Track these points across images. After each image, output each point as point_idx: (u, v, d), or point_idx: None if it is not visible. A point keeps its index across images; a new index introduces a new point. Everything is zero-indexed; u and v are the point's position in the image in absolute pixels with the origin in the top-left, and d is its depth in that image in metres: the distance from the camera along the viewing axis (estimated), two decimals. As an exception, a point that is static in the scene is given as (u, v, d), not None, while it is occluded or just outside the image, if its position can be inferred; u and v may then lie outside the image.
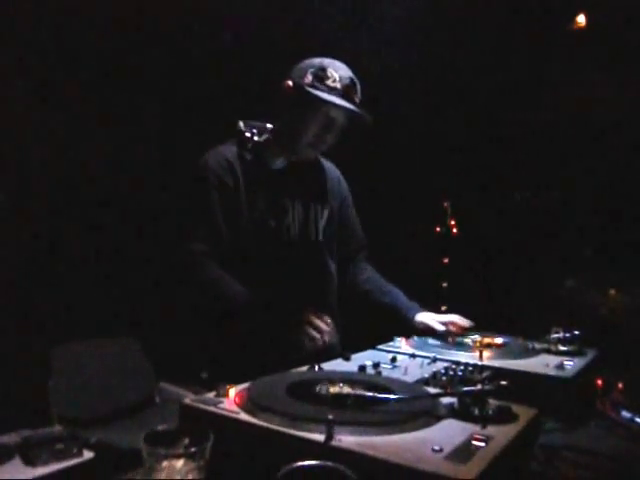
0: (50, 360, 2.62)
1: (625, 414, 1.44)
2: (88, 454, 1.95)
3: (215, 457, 0.91)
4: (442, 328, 1.91)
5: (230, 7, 3.03)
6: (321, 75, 1.76)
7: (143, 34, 2.96)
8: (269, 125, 1.94)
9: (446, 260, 3.39)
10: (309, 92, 1.74)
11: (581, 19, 2.53)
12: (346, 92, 1.76)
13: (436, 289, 3.42)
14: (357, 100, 1.81)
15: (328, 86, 1.75)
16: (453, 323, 1.94)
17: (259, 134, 1.88)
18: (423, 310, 2.01)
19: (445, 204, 3.43)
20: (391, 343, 1.77)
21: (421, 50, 3.29)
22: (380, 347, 1.74)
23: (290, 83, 1.82)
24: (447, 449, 0.90)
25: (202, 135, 3.24)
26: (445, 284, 3.38)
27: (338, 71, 1.78)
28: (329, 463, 0.77)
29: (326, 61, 1.79)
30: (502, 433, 0.99)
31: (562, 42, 2.91)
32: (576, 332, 1.76)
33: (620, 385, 1.69)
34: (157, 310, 3.07)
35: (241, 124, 1.89)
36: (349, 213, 2.12)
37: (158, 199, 3.14)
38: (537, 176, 3.50)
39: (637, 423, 1.40)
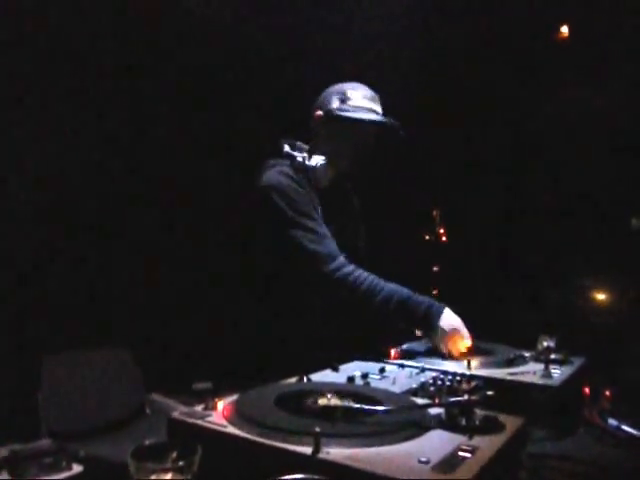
0: (39, 372, 2.60)
1: (612, 422, 1.45)
2: (77, 468, 1.93)
3: (204, 470, 0.91)
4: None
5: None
6: (344, 97, 1.94)
7: (146, 35, 2.97)
8: (304, 145, 2.07)
9: (435, 268, 3.40)
10: (339, 115, 1.92)
11: (564, 29, 2.57)
12: (371, 107, 1.94)
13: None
14: (380, 111, 1.98)
15: (354, 105, 1.92)
16: None
17: (304, 156, 2.00)
18: None
19: (434, 212, 3.45)
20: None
21: (410, 58, 3.32)
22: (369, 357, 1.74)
23: (320, 112, 1.98)
24: (434, 460, 0.91)
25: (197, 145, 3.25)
26: (435, 292, 3.39)
27: (358, 90, 1.95)
28: (316, 476, 0.77)
29: (345, 85, 1.97)
30: (489, 443, 1.00)
31: (546, 52, 2.94)
32: (564, 340, 1.78)
33: (607, 393, 1.70)
34: (148, 320, 3.06)
35: (287, 147, 2.01)
36: (361, 225, 2.27)
37: (149, 207, 3.13)
38: (526, 182, 3.53)
39: (624, 431, 1.41)
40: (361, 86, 1.98)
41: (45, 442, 2.17)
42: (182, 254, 3.22)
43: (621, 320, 2.86)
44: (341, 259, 1.81)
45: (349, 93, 1.94)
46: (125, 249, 3.09)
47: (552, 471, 1.17)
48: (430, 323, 1.76)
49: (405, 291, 1.80)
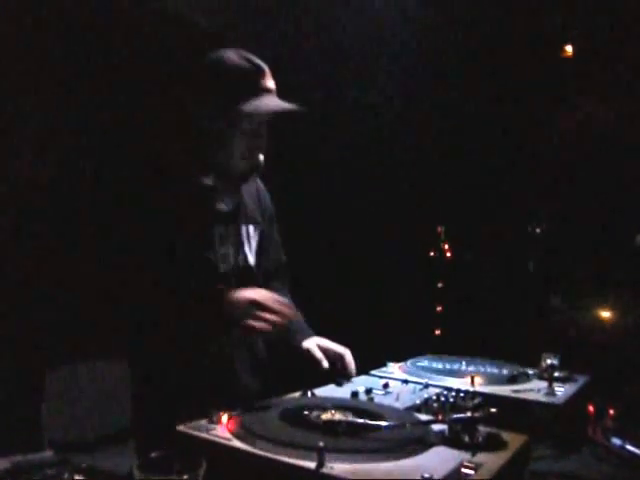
0: (43, 384, 2.61)
1: (616, 441, 1.44)
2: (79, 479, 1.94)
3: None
4: (326, 365, 1.65)
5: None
6: (219, 90, 1.51)
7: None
8: None
9: (440, 284, 3.41)
10: (218, 119, 1.52)
11: (569, 48, 2.59)
12: (259, 86, 1.51)
13: (430, 313, 3.44)
14: (273, 85, 1.55)
15: (235, 90, 1.49)
16: (342, 359, 1.68)
17: None
18: (314, 335, 1.75)
19: (439, 228, 3.47)
20: (384, 368, 1.78)
21: (416, 77, 3.35)
22: (373, 372, 1.75)
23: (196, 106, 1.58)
24: (437, 476, 0.91)
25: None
26: (439, 308, 3.39)
27: (232, 63, 1.51)
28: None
29: (214, 67, 1.53)
30: (491, 460, 1.01)
31: (551, 71, 2.98)
32: (568, 357, 1.78)
33: (611, 411, 1.70)
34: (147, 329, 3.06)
35: None
36: (272, 230, 1.87)
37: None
38: (531, 199, 3.55)
39: (628, 450, 1.41)
40: (234, 58, 1.51)
41: (47, 454, 2.18)
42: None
43: (626, 337, 2.85)
44: None
45: (214, 70, 1.52)
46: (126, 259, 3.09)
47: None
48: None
49: None
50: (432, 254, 3.45)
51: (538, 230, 3.42)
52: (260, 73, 1.52)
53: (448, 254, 3.44)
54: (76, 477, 1.97)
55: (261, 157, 1.60)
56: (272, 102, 1.52)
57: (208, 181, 1.58)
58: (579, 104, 3.24)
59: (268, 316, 1.37)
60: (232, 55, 1.52)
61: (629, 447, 1.41)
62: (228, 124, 1.52)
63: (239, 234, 1.67)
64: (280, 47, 3.03)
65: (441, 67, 3.31)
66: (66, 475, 1.96)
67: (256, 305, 1.38)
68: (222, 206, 1.62)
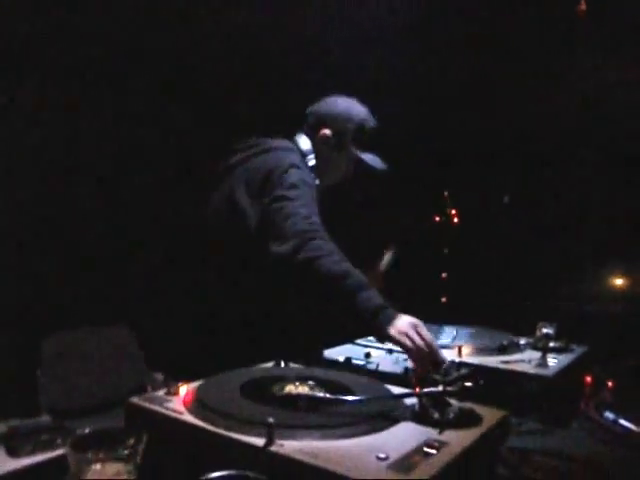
0: (39, 350, 2.59)
1: (608, 415, 1.36)
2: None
3: (159, 458, 0.87)
4: None
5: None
6: (360, 130, 1.88)
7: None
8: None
9: (446, 250, 3.31)
10: (352, 151, 1.89)
11: (582, 4, 2.41)
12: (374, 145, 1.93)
13: (436, 280, 3.35)
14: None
15: (364, 143, 1.90)
16: None
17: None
18: None
19: (445, 193, 3.34)
20: (370, 337, 1.70)
21: (422, 37, 3.19)
22: (358, 341, 1.68)
23: (328, 132, 1.87)
24: (393, 456, 0.84)
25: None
26: (444, 275, 3.30)
27: (370, 123, 1.90)
28: (251, 474, 0.72)
29: (361, 112, 1.89)
30: (459, 439, 0.93)
31: (565, 29, 2.79)
32: (570, 326, 1.69)
33: (610, 383, 1.61)
34: (148, 296, 3.04)
35: (303, 140, 1.91)
36: None
37: (149, 181, 3.07)
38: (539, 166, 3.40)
39: (621, 426, 1.33)
40: (371, 117, 1.92)
41: (43, 419, 2.17)
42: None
43: (632, 307, 2.74)
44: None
45: (365, 126, 1.88)
46: (123, 223, 3.05)
47: (533, 467, 1.09)
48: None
49: (363, 279, 1.43)
50: (437, 219, 3.34)
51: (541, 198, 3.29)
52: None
53: (455, 220, 3.32)
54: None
55: None
56: (376, 158, 1.93)
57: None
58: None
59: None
60: (362, 111, 1.90)
61: (622, 422, 1.33)
62: (348, 159, 1.90)
63: None
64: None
65: (449, 29, 3.13)
66: (60, 440, 1.95)
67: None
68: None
